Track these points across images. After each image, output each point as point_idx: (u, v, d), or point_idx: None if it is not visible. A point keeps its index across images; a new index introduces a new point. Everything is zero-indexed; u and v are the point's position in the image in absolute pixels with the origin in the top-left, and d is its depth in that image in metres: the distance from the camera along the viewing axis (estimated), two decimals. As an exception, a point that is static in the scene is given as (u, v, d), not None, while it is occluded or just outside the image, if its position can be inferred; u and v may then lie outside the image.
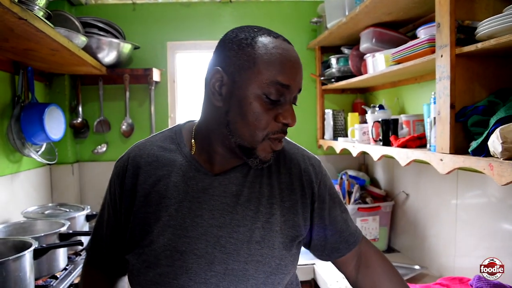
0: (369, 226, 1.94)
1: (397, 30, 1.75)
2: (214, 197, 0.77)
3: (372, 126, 1.68)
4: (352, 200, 2.00)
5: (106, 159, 2.29)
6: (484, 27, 0.99)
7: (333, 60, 2.12)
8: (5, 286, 1.03)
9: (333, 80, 2.17)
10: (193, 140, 0.82)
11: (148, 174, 0.79)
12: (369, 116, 1.77)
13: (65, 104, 2.15)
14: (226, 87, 0.73)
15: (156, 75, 2.22)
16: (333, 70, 2.11)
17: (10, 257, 1.05)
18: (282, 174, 0.83)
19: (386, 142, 1.58)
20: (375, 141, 1.67)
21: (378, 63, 1.65)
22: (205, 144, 0.80)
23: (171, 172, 0.78)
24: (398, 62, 1.46)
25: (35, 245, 1.17)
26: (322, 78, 2.28)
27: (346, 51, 2.08)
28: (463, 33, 1.09)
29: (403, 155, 1.38)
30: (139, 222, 0.77)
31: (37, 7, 1.23)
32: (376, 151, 1.60)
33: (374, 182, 2.27)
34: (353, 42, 2.00)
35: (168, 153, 0.81)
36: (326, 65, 2.24)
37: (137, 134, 2.29)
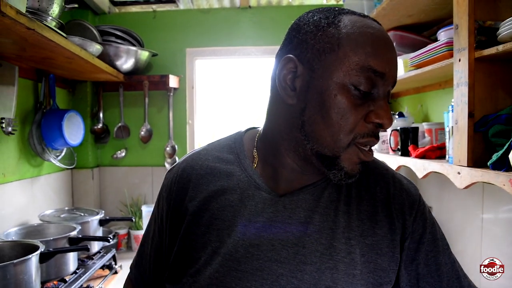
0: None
1: (420, 33, 1.65)
2: (277, 224, 0.61)
3: (391, 135, 1.59)
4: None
5: (125, 164, 2.34)
6: (506, 27, 0.90)
7: (353, 65, 2.04)
8: (8, 289, 1.06)
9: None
10: (255, 150, 0.67)
11: (199, 189, 0.65)
12: (388, 124, 1.68)
13: (87, 110, 2.22)
14: (301, 78, 0.58)
15: (173, 82, 2.24)
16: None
17: (14, 261, 1.07)
18: (364, 201, 0.64)
19: (405, 152, 1.49)
20: (393, 150, 1.58)
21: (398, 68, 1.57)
22: (270, 155, 0.65)
23: (226, 188, 0.64)
24: (418, 66, 1.37)
25: (41, 248, 1.19)
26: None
27: (366, 55, 2.00)
28: (484, 35, 1.00)
29: (420, 166, 1.29)
30: (185, 246, 0.63)
31: (50, 17, 1.27)
32: (393, 161, 1.51)
33: (397, 193, 2.15)
34: (374, 46, 1.92)
35: (225, 165, 0.67)
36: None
37: (155, 140, 2.33)
